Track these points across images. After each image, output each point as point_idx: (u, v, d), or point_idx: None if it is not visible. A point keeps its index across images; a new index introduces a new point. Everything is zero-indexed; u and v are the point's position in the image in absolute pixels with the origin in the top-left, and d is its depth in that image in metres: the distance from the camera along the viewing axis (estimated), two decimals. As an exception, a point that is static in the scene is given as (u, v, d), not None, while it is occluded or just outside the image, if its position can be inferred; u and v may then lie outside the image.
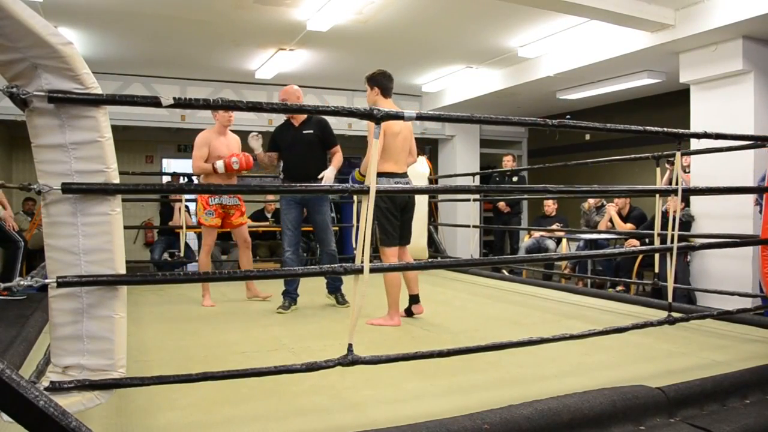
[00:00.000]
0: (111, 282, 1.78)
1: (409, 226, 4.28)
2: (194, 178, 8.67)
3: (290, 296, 4.59)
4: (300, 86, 4.78)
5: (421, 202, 5.15)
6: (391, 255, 4.12)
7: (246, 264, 5.02)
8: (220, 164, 4.65)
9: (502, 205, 8.44)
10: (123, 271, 1.82)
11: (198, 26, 6.19)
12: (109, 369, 1.79)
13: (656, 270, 4.05)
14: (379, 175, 3.95)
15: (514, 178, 8.53)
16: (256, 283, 5.10)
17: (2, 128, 8.38)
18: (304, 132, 4.57)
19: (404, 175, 4.15)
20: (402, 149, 4.10)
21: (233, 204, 4.90)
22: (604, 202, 7.39)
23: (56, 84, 1.68)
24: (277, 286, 4.66)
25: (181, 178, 8.95)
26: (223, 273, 2.41)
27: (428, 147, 10.55)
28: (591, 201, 7.57)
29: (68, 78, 1.68)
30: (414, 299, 4.28)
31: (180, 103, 1.93)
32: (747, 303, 4.32)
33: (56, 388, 1.72)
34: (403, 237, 4.22)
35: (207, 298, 4.80)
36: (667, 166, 4.99)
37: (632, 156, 4.72)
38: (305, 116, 4.62)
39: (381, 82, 4.08)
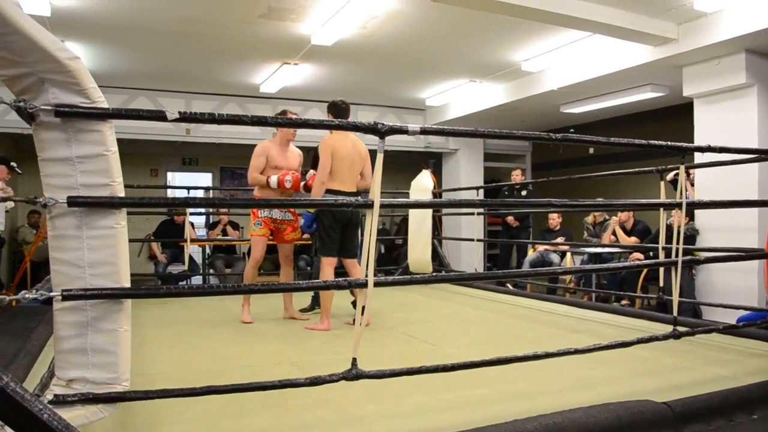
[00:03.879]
0: (116, 295, 1.78)
1: (351, 240, 4.55)
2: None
3: (317, 301, 4.85)
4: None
5: (426, 216, 5.16)
6: (327, 264, 4.38)
7: (284, 281, 4.80)
8: (273, 179, 4.52)
9: (511, 219, 8.42)
10: (128, 284, 1.82)
11: (203, 41, 6.25)
12: (113, 382, 1.79)
13: (661, 284, 4.05)
14: (327, 191, 4.23)
15: (523, 192, 8.52)
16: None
17: (9, 141, 8.44)
18: None
19: (351, 193, 4.36)
20: (350, 172, 4.36)
21: (285, 219, 4.72)
22: (606, 217, 7.36)
23: (63, 98, 1.69)
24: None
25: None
26: (227, 287, 2.41)
27: (432, 161, 10.54)
28: (594, 215, 7.55)
29: (75, 92, 1.70)
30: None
31: (185, 117, 1.94)
32: (753, 317, 4.28)
33: (60, 401, 1.72)
34: (344, 250, 4.50)
35: (246, 312, 4.61)
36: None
37: (636, 170, 4.73)
38: None
39: (335, 111, 4.38)
